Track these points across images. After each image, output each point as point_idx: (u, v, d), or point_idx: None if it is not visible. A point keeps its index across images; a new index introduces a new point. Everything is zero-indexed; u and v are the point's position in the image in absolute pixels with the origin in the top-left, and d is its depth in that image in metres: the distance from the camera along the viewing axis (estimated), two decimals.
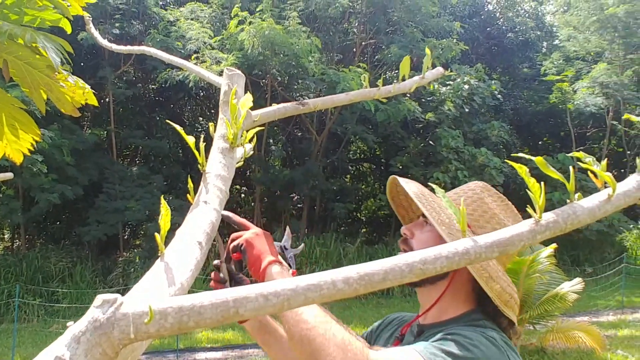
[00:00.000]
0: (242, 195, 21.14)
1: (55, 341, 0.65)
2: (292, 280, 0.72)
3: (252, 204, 19.97)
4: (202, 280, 11.64)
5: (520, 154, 1.05)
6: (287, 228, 1.59)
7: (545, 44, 24.42)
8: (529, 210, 0.90)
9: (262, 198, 19.87)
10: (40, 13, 2.02)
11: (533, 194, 0.90)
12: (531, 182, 0.91)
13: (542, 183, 0.90)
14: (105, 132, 18.35)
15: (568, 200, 0.89)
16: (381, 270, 0.76)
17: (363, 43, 19.26)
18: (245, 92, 1.33)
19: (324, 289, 0.72)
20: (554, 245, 7.62)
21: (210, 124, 1.32)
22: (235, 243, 1.41)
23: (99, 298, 0.66)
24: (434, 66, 1.76)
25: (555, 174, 0.93)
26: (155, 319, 0.65)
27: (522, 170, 0.92)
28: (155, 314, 0.65)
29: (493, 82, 19.10)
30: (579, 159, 0.96)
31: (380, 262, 0.77)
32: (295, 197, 20.08)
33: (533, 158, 0.95)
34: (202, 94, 20.83)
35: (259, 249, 1.36)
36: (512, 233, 0.86)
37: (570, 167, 0.98)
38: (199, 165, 1.20)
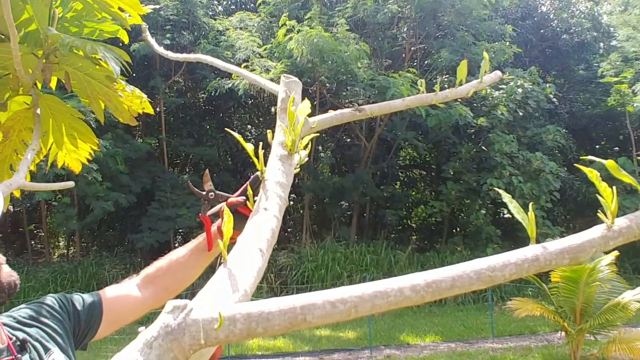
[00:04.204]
0: (291, 202, 21.26)
1: (127, 346, 0.66)
2: (358, 287, 0.71)
3: (301, 211, 20.04)
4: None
5: (590, 157, 1.01)
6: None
7: (602, 44, 23.64)
8: (600, 215, 0.87)
9: (311, 205, 19.93)
10: (99, 25, 2.08)
11: (604, 199, 0.86)
12: (602, 186, 0.88)
13: (614, 188, 0.87)
14: (157, 140, 18.83)
15: None
16: (449, 278, 0.74)
17: (412, 48, 19.13)
18: (303, 99, 1.33)
19: (390, 296, 0.71)
20: (615, 252, 7.37)
21: (269, 131, 1.33)
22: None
23: (170, 304, 0.67)
24: None
25: (628, 178, 0.90)
26: (225, 325, 0.66)
27: (593, 174, 0.89)
28: (225, 320, 0.66)
29: (547, 85, 18.61)
30: None
31: (448, 269, 0.75)
32: (345, 204, 20.05)
33: (604, 161, 0.92)
34: (250, 102, 21.09)
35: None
36: (584, 239, 0.83)
37: None
38: (258, 173, 1.21)
